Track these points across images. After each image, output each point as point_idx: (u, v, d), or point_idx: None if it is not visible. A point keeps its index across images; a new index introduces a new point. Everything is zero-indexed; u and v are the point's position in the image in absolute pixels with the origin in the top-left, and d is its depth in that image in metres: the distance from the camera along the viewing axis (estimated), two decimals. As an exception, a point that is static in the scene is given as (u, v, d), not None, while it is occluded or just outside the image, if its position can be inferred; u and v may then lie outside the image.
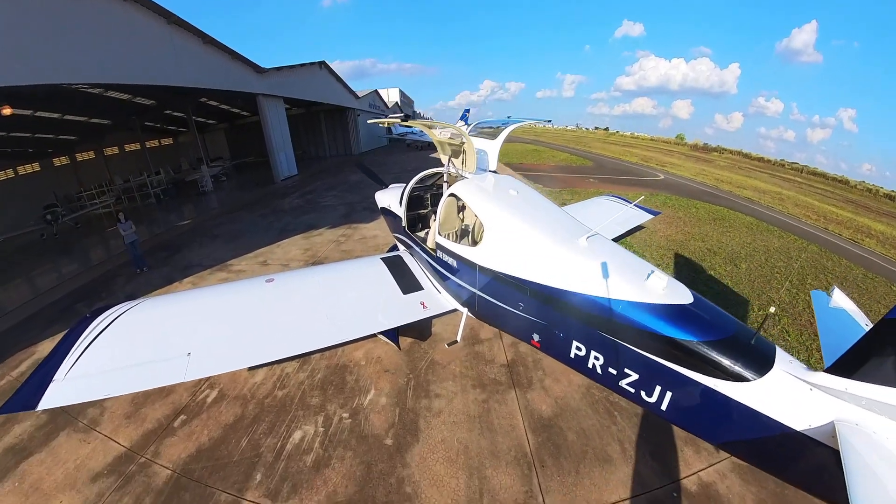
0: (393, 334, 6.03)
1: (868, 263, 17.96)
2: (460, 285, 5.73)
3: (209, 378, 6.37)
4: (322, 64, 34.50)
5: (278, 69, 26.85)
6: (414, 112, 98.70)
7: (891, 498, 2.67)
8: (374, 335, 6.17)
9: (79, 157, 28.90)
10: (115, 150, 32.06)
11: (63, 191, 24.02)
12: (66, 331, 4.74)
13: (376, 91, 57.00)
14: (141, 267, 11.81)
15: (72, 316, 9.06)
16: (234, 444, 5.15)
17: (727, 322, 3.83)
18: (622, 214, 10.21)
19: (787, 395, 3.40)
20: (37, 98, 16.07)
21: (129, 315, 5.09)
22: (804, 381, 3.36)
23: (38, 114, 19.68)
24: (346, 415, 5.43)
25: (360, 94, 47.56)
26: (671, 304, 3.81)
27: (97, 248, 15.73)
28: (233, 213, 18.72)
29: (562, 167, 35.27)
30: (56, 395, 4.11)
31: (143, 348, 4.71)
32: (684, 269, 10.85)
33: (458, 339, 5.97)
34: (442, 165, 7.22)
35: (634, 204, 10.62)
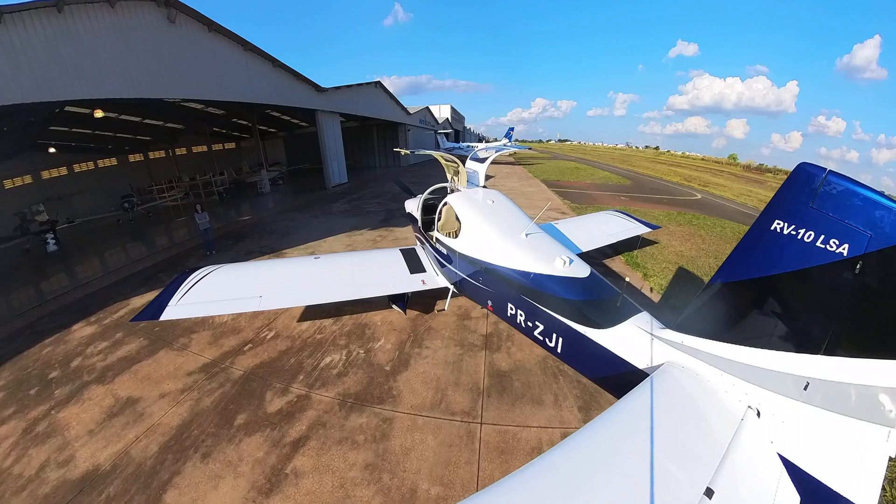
0: (402, 304, 8.46)
1: None
2: (448, 268, 8.13)
3: (269, 323, 8.92)
4: (377, 84, 37.66)
5: (337, 88, 29.93)
6: (464, 128, 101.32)
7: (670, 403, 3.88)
8: (388, 304, 8.73)
9: (151, 155, 32.73)
10: (184, 150, 35.84)
11: (137, 184, 27.71)
12: (170, 280, 7.55)
13: (427, 108, 60.13)
14: (210, 250, 14.59)
15: (156, 283, 11.89)
16: (285, 360, 7.58)
17: (605, 290, 5.75)
18: (619, 226, 12.39)
19: (635, 342, 4.78)
20: (125, 104, 18.97)
21: (216, 272, 7.84)
22: (649, 333, 4.70)
23: (123, 116, 23.08)
24: (362, 351, 7.80)
25: (411, 111, 50.68)
26: (568, 276, 5.90)
27: (170, 233, 18.87)
28: (287, 213, 21.58)
29: (598, 185, 35.59)
30: (172, 311, 6.79)
31: (229, 290, 7.42)
32: (681, 282, 11.37)
33: (446, 307, 8.71)
34: (447, 181, 9.87)
35: (630, 215, 12.89)
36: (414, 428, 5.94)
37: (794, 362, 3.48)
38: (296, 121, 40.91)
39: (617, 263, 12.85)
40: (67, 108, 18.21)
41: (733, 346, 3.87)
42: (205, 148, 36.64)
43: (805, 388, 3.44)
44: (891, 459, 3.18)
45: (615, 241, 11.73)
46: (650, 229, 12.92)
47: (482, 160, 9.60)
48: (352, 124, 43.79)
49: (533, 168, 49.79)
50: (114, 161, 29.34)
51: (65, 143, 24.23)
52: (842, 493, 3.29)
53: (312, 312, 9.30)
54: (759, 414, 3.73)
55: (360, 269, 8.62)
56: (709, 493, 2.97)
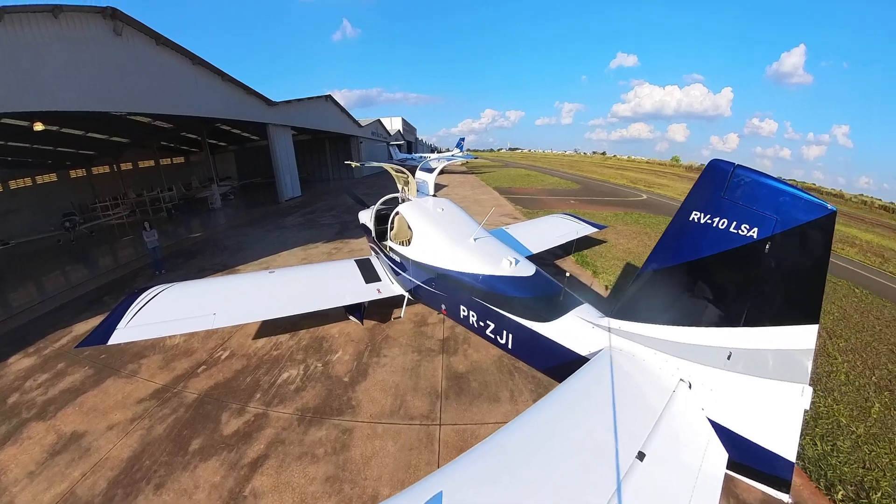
0: (359, 315, 8.55)
1: (836, 269, 20.97)
2: (403, 276, 8.30)
3: (223, 342, 8.74)
4: (328, 97, 37.66)
5: (287, 102, 29.73)
6: (416, 139, 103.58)
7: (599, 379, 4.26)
8: (345, 316, 8.77)
9: (95, 170, 31.06)
10: (130, 165, 34.34)
11: (79, 201, 26.19)
12: (117, 302, 7.34)
13: (378, 120, 60.64)
14: (159, 270, 14.07)
15: (101, 307, 11.27)
16: (241, 380, 7.47)
17: (549, 286, 6.08)
18: (568, 228, 12.94)
19: (577, 332, 5.14)
20: (67, 116, 18.28)
21: (166, 291, 7.66)
22: (589, 322, 5.05)
23: (65, 130, 21.96)
24: (320, 365, 7.81)
25: (362, 123, 50.96)
26: (515, 276, 6.24)
27: (115, 253, 18.11)
28: (239, 229, 21.11)
29: (548, 190, 37.40)
30: (121, 335, 6.61)
31: (181, 309, 7.26)
32: (628, 276, 11.76)
33: (402, 315, 8.93)
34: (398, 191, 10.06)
35: (578, 217, 13.45)
36: (374, 436, 6.04)
37: (718, 336, 3.89)
38: (247, 134, 40.09)
39: (568, 263, 13.48)
40: (3, 121, 17.15)
41: (664, 327, 4.30)
42: (152, 162, 35.26)
43: (728, 358, 3.85)
44: (806, 412, 3.62)
45: (564, 241, 12.30)
46: (597, 229, 13.62)
47: (431, 170, 9.86)
48: (304, 137, 43.41)
49: (485, 176, 51.25)
50: (54, 177, 27.74)
51: (-1, 157, 22.67)
52: (766, 447, 3.71)
53: (268, 328, 9.18)
54: (690, 385, 4.11)
55: (316, 281, 8.69)
56: (640, 456, 3.26)
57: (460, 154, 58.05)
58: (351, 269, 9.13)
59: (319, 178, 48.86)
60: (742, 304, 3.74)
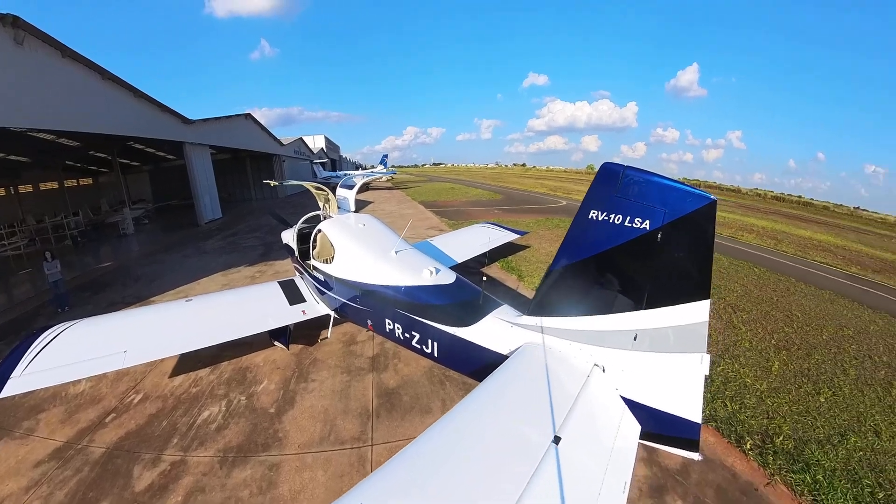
0: (284, 340, 8.25)
1: (737, 253, 23.61)
2: (328, 294, 8.14)
3: (135, 384, 8.07)
4: (247, 115, 36.33)
5: (205, 120, 28.32)
6: (340, 157, 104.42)
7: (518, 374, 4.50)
8: (270, 342, 8.36)
9: None
10: (30, 188, 31.34)
11: None
12: (11, 347, 6.44)
13: (301, 138, 59.68)
14: (63, 306, 12.71)
15: None
16: (156, 425, 6.90)
17: (469, 292, 6.27)
18: (491, 236, 13.34)
19: (497, 332, 5.35)
20: None
21: (70, 330, 6.94)
22: (508, 321, 5.29)
23: None
24: (243, 398, 7.42)
25: (284, 142, 50.04)
26: (436, 284, 6.37)
27: (9, 290, 15.94)
28: (155, 255, 19.64)
29: (472, 202, 39.02)
30: (16, 385, 5.86)
31: (88, 349, 6.57)
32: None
33: (329, 335, 8.76)
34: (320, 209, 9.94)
35: (501, 226, 13.91)
36: (303, 468, 5.84)
37: (624, 321, 4.28)
38: (162, 153, 37.72)
39: (494, 269, 13.95)
40: None
41: (575, 318, 4.60)
42: (55, 184, 32.24)
43: (635, 339, 4.24)
44: (706, 377, 4.06)
45: (487, 249, 12.73)
46: (519, 235, 14.32)
47: (351, 186, 9.85)
48: (224, 156, 41.60)
49: (411, 191, 52.76)
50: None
51: None
52: (675, 414, 4.11)
53: (187, 363, 8.59)
54: (604, 369, 4.47)
55: (237, 307, 8.27)
56: (556, 440, 3.45)
57: (384, 170, 60.04)
58: (274, 291, 8.77)
59: (241, 198, 46.63)
60: (642, 289, 4.13)
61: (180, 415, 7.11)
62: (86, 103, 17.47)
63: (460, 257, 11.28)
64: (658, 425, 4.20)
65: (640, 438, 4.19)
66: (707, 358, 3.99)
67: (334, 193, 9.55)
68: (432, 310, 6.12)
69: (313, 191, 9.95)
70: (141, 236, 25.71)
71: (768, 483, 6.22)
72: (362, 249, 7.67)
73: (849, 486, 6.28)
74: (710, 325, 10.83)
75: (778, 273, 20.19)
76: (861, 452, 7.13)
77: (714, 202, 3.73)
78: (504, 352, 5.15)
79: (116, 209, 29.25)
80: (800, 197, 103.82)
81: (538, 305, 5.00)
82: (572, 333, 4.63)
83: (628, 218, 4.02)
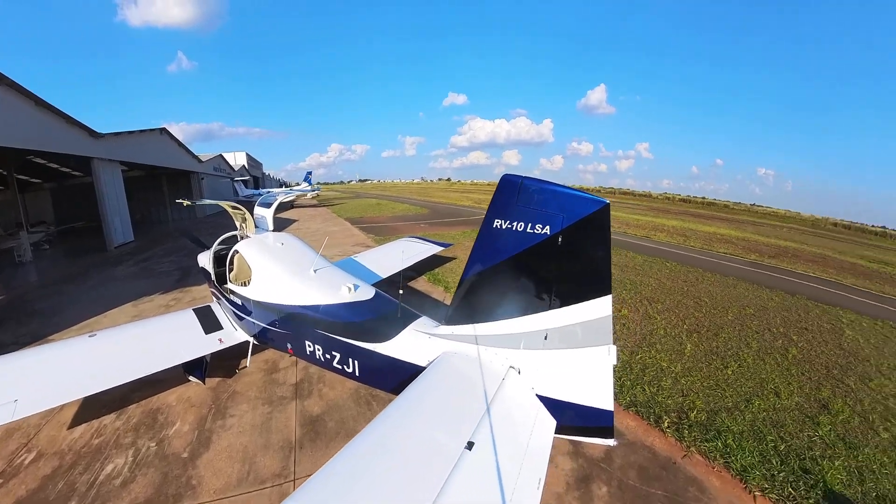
0: (200, 373, 7.78)
1: (651, 251, 25.69)
2: (246, 320, 7.77)
3: (28, 441, 7.20)
4: (163, 130, 34.00)
5: (116, 134, 26.12)
6: (263, 174, 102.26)
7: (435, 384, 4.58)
8: (186, 378, 7.97)
9: None
10: None
11: None
12: None
13: (221, 155, 57.26)
14: None
15: None
16: (51, 488, 6.17)
17: (388, 306, 6.25)
18: (415, 250, 13.47)
19: (415, 344, 5.43)
20: None
21: None
22: (425, 333, 5.47)
23: None
24: (153, 444, 6.83)
25: (203, 158, 47.37)
26: (354, 301, 6.31)
27: None
28: (57, 286, 17.73)
29: (399, 217, 40.19)
30: None
31: None
32: None
33: (248, 363, 8.36)
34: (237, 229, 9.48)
35: (425, 239, 14.09)
36: (218, 515, 5.50)
37: (534, 322, 4.52)
38: (67, 169, 34.22)
39: (421, 282, 14.14)
40: None
41: (489, 323, 4.81)
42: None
43: (546, 339, 4.49)
44: (615, 367, 4.35)
45: (412, 263, 12.83)
46: (444, 248, 14.64)
47: (269, 205, 9.51)
48: (137, 173, 38.78)
49: (337, 208, 52.91)
50: None
51: None
52: (588, 405, 4.40)
53: (89, 410, 7.78)
54: (519, 371, 4.71)
55: (147, 340, 7.56)
56: (469, 445, 3.59)
57: (308, 187, 60.13)
58: (188, 320, 8.20)
59: (156, 219, 43.38)
60: (549, 290, 4.40)
61: (80, 472, 6.41)
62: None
63: (384, 272, 11.27)
64: (574, 418, 4.46)
65: (559, 433, 4.45)
66: (614, 349, 4.30)
67: (251, 212, 9.19)
68: (351, 327, 6.06)
69: (230, 210, 9.50)
70: (41, 264, 22.99)
71: (685, 455, 6.77)
72: (280, 269, 7.42)
73: (755, 444, 7.03)
74: (628, 317, 11.76)
75: (688, 265, 22.23)
76: (765, 413, 8.10)
77: (607, 205, 4.02)
78: (423, 364, 5.21)
79: (12, 233, 25.50)
80: (704, 198, 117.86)
81: (453, 314, 5.17)
82: (487, 339, 4.84)
83: (530, 224, 4.26)
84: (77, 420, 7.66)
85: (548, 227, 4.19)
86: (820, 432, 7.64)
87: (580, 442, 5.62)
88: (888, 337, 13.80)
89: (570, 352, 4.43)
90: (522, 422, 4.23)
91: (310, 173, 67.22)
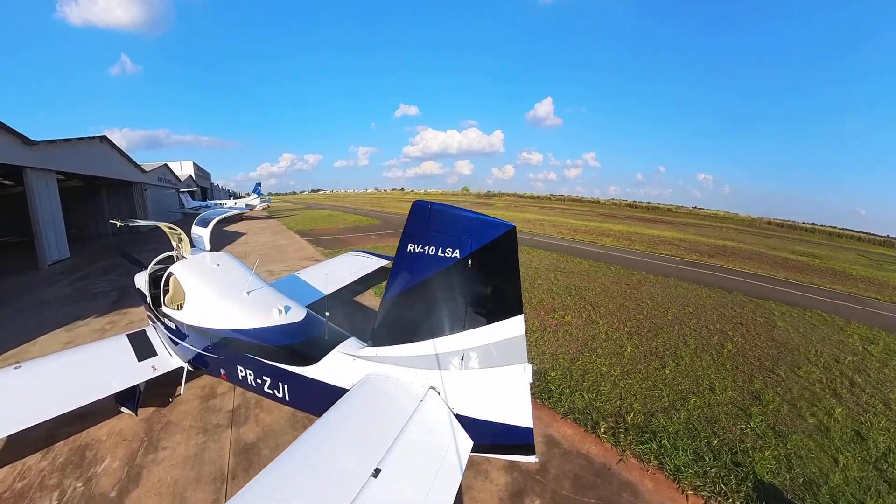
0: (132, 405, 7.55)
1: (597, 256, 26.54)
2: (181, 345, 7.63)
3: None
4: (103, 138, 32.34)
5: (52, 142, 24.56)
6: (211, 184, 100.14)
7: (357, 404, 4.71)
8: (118, 410, 7.71)
9: None
10: None
11: None
12: None
13: (166, 164, 55.08)
14: None
15: None
16: None
17: (317, 327, 6.30)
18: (360, 265, 13.62)
19: (341, 367, 5.52)
20: None
21: None
22: (350, 355, 5.54)
23: None
24: (80, 484, 6.57)
25: (147, 168, 45.43)
26: (284, 324, 6.37)
27: None
28: None
29: (350, 228, 40.74)
30: None
31: None
32: None
33: (181, 391, 8.17)
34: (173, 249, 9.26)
35: (371, 253, 14.28)
36: (145, 556, 5.35)
37: (451, 343, 4.66)
38: None
39: (368, 297, 14.29)
40: None
41: (409, 344, 4.93)
42: None
43: (462, 359, 4.65)
44: (532, 384, 4.54)
45: (357, 278, 12.90)
46: (389, 261, 14.74)
47: (207, 223, 9.37)
48: (75, 184, 36.64)
49: (287, 220, 52.29)
50: None
51: None
52: (508, 423, 4.53)
53: (12, 450, 7.35)
54: (439, 392, 4.83)
55: (76, 369, 7.27)
56: (376, 472, 3.63)
57: (257, 199, 59.81)
58: (121, 346, 7.94)
59: (95, 233, 40.96)
60: (462, 312, 4.55)
61: None
62: None
63: (328, 288, 11.18)
64: (494, 437, 4.61)
65: (482, 452, 4.68)
66: (529, 367, 4.48)
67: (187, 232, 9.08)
68: (280, 351, 6.10)
69: (166, 230, 9.24)
70: None
71: (620, 460, 6.91)
72: (213, 292, 7.35)
73: (689, 442, 7.29)
74: (571, 323, 12.29)
75: (631, 268, 23.14)
76: (699, 410, 8.41)
77: (513, 228, 4.24)
78: (348, 386, 5.28)
79: None
80: (649, 203, 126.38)
81: (376, 335, 5.31)
82: (407, 360, 4.97)
83: (440, 249, 4.45)
84: None
85: (457, 251, 4.37)
86: (752, 424, 7.99)
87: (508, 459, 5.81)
88: (815, 325, 14.84)
89: (487, 371, 4.58)
90: (437, 443, 4.29)
91: (259, 184, 66.34)
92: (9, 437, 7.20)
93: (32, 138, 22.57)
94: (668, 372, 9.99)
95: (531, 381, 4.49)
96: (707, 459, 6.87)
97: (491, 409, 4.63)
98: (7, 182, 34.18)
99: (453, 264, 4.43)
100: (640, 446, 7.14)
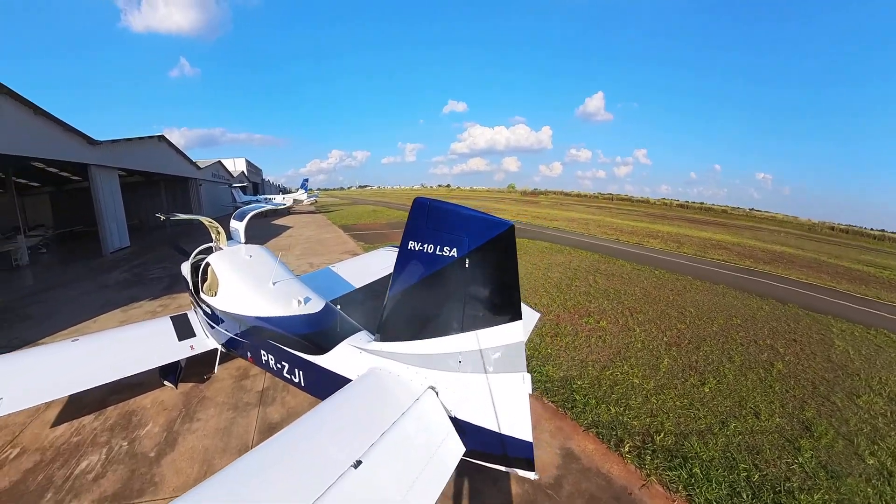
0: (173, 378, 8.24)
1: (641, 259, 25.31)
2: (216, 329, 8.20)
3: (14, 438, 7.75)
4: (161, 137, 34.61)
5: (114, 142, 26.65)
6: (262, 180, 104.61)
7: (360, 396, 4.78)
8: (161, 383, 8.42)
9: None
10: None
11: None
12: None
13: (220, 161, 58.81)
14: None
15: None
16: (31, 480, 6.67)
17: (329, 318, 6.62)
18: (393, 259, 13.88)
19: (349, 358, 5.64)
20: None
21: None
22: (358, 347, 5.60)
23: None
24: (125, 443, 7.32)
25: (202, 165, 48.57)
26: (303, 314, 6.69)
27: None
28: (51, 291, 18.23)
29: (392, 224, 41.36)
30: None
31: None
32: None
33: (215, 371, 8.84)
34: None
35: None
36: (174, 512, 6.09)
37: (449, 344, 4.55)
38: (66, 174, 35.05)
39: None
40: None
41: (410, 342, 4.90)
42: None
43: (460, 362, 4.51)
44: (531, 395, 4.28)
45: (389, 273, 13.17)
46: None
47: (243, 218, 10.04)
48: (136, 179, 39.60)
49: (333, 215, 53.37)
50: None
51: None
52: (506, 433, 4.35)
53: (71, 411, 8.32)
54: (437, 392, 4.73)
55: (124, 345, 8.08)
56: (357, 464, 3.59)
57: (305, 194, 62.47)
58: (165, 327, 8.71)
59: (154, 224, 43.68)
60: (460, 313, 4.41)
61: (58, 467, 6.93)
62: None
63: (359, 282, 11.60)
64: (492, 446, 4.43)
65: (479, 460, 4.53)
66: (528, 377, 4.24)
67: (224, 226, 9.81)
68: (297, 339, 6.42)
69: (205, 223, 10.08)
70: (36, 268, 23.59)
71: (643, 485, 6.26)
72: (242, 281, 7.84)
73: (725, 473, 6.52)
74: (606, 329, 11.98)
75: (677, 273, 21.69)
76: (740, 437, 7.54)
77: (512, 227, 4.05)
78: (353, 377, 5.41)
79: (9, 236, 26.19)
80: (702, 203, 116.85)
81: (381, 330, 5.28)
82: (408, 357, 4.91)
83: (438, 247, 4.35)
84: (60, 419, 8.19)
85: (455, 249, 4.25)
86: (800, 459, 7.03)
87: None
88: (881, 347, 12.97)
89: (485, 377, 4.40)
90: (427, 445, 4.18)
91: (306, 180, 68.59)
92: (70, 399, 8.48)
93: (97, 138, 24.75)
94: (707, 390, 9.16)
95: (530, 392, 4.28)
96: (745, 497, 6.11)
97: (488, 416, 4.46)
98: (75, 178, 37.41)
99: (451, 263, 4.32)
100: (668, 472, 6.49)
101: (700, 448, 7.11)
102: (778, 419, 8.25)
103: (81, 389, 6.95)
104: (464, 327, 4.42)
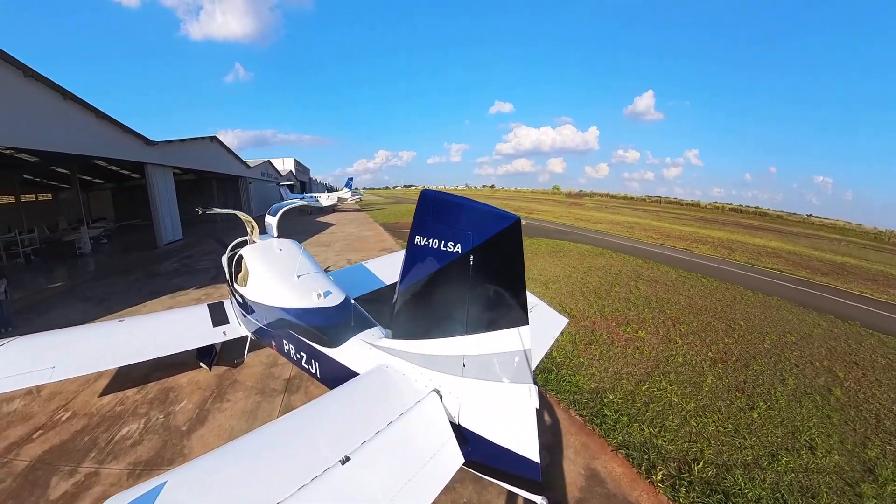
0: (208, 360, 8.82)
1: (689, 265, 23.75)
2: (247, 318, 8.55)
3: (67, 402, 8.50)
4: (213, 138, 36.60)
5: (169, 142, 28.44)
6: (310, 179, 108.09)
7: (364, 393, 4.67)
8: (198, 365, 9.06)
9: None
10: None
11: None
12: None
13: (269, 161, 61.55)
14: (6, 327, 12.63)
15: None
16: (79, 440, 7.31)
17: (345, 312, 6.69)
18: None
19: (358, 353, 5.62)
20: None
21: (2, 348, 7.39)
22: (368, 343, 5.56)
23: None
24: (161, 416, 7.85)
25: (252, 164, 51.07)
26: (321, 307, 6.81)
27: None
28: (109, 277, 19.70)
29: None
30: None
31: (17, 365, 6.94)
32: None
33: (244, 357, 9.21)
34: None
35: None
36: (198, 482, 6.50)
37: (453, 345, 4.27)
38: (126, 171, 37.85)
39: None
40: None
41: (415, 341, 4.67)
42: (12, 198, 31.80)
43: (464, 366, 4.22)
44: (537, 410, 3.91)
45: None
46: None
47: (276, 213, 10.52)
48: (190, 177, 41.92)
49: (375, 213, 54.06)
50: None
51: None
52: (510, 449, 4.02)
53: (117, 383, 9.04)
54: (441, 395, 4.45)
55: (164, 326, 8.65)
56: (345, 460, 3.49)
57: (348, 193, 63.88)
58: (202, 313, 9.23)
59: (206, 219, 45.94)
60: (462, 314, 4.10)
61: (102, 431, 7.53)
62: (45, 122, 17.80)
63: (390, 279, 11.67)
64: (495, 459, 4.14)
65: (482, 473, 4.26)
66: (535, 390, 3.92)
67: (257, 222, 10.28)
68: (313, 331, 6.55)
69: (241, 218, 10.59)
70: (97, 256, 25.60)
71: None
72: (269, 273, 8.10)
73: None
74: (644, 340, 11.24)
75: (726, 282, 20.14)
76: (793, 474, 6.60)
77: (518, 221, 3.76)
78: (360, 371, 5.38)
79: (75, 227, 28.77)
80: (757, 207, 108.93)
81: (392, 327, 5.08)
82: (415, 357, 4.69)
83: (443, 242, 4.03)
84: (107, 390, 8.90)
85: (459, 245, 3.94)
86: None
87: (550, 484, 5.45)
88: None
89: (489, 385, 4.11)
90: (423, 449, 3.95)
91: (351, 179, 70.43)
92: (117, 372, 9.25)
93: (155, 139, 26.66)
94: (756, 415, 8.17)
95: (537, 407, 3.92)
96: (795, 551, 5.19)
97: (490, 427, 4.17)
98: (134, 175, 40.19)
99: (455, 259, 3.99)
100: (707, 510, 5.67)
101: (745, 484, 6.24)
102: (836, 457, 7.15)
103: (120, 364, 7.55)
104: (468, 329, 4.14)
